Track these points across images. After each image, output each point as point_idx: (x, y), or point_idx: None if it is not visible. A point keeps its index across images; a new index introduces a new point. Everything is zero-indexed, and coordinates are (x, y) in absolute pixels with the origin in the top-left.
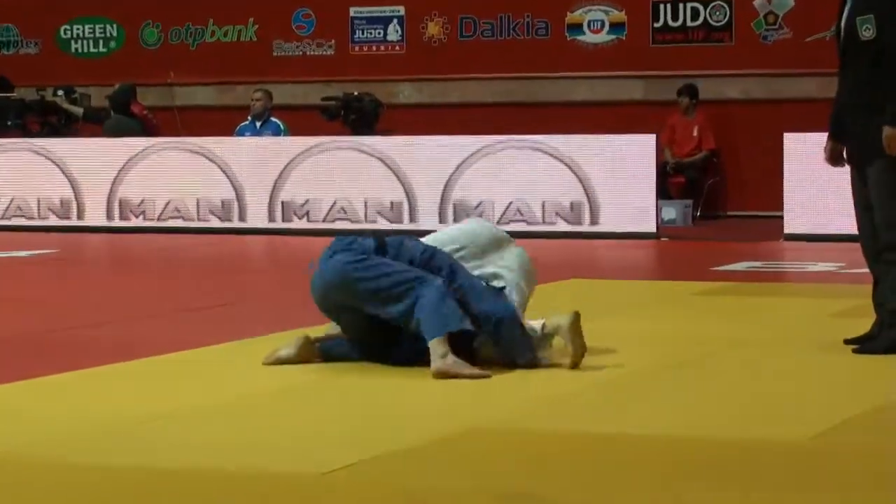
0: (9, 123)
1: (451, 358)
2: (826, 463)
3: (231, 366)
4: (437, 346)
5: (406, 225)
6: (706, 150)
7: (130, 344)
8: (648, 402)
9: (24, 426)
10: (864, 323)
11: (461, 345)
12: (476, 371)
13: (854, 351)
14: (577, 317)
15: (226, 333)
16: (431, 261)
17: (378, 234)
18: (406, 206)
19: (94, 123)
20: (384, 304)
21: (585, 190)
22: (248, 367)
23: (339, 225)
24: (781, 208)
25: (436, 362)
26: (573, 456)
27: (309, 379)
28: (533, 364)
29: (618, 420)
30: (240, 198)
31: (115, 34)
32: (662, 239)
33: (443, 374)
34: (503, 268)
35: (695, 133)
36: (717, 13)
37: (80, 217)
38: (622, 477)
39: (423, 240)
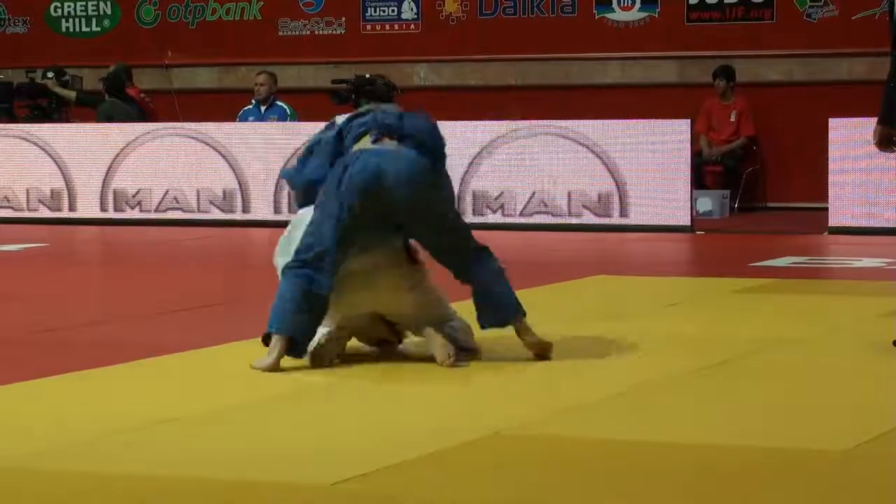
0: None
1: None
2: (861, 477)
3: (232, 368)
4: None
5: None
6: (745, 136)
7: (124, 345)
8: (678, 408)
9: (9, 432)
10: None
11: None
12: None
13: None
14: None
15: (226, 334)
16: None
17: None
18: None
19: (88, 108)
20: (446, 250)
21: (615, 180)
22: (251, 370)
23: None
24: (826, 199)
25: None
26: (597, 463)
27: (316, 383)
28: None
29: (645, 426)
30: (243, 188)
31: (108, 12)
32: (698, 232)
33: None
34: None
35: (732, 118)
36: None
37: (71, 208)
38: (647, 485)
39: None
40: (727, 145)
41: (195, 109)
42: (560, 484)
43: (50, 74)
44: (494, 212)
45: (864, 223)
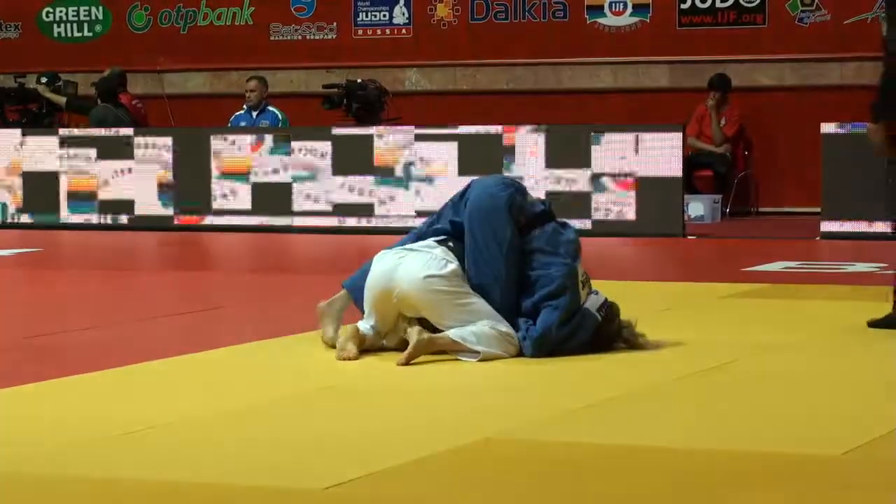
0: None
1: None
2: (857, 481)
3: (224, 373)
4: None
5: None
6: (729, 134)
7: (118, 349)
8: (669, 413)
9: (2, 437)
10: None
11: None
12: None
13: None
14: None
15: (219, 338)
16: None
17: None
18: None
19: (79, 113)
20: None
21: (607, 184)
22: (244, 375)
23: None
24: (818, 204)
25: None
26: (589, 469)
27: (309, 388)
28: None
29: (638, 431)
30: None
31: (100, 17)
32: (689, 237)
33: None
34: None
35: (723, 122)
36: None
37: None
38: (640, 491)
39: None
40: (719, 149)
41: (187, 114)
42: (552, 490)
43: (43, 80)
44: None
45: (856, 228)
